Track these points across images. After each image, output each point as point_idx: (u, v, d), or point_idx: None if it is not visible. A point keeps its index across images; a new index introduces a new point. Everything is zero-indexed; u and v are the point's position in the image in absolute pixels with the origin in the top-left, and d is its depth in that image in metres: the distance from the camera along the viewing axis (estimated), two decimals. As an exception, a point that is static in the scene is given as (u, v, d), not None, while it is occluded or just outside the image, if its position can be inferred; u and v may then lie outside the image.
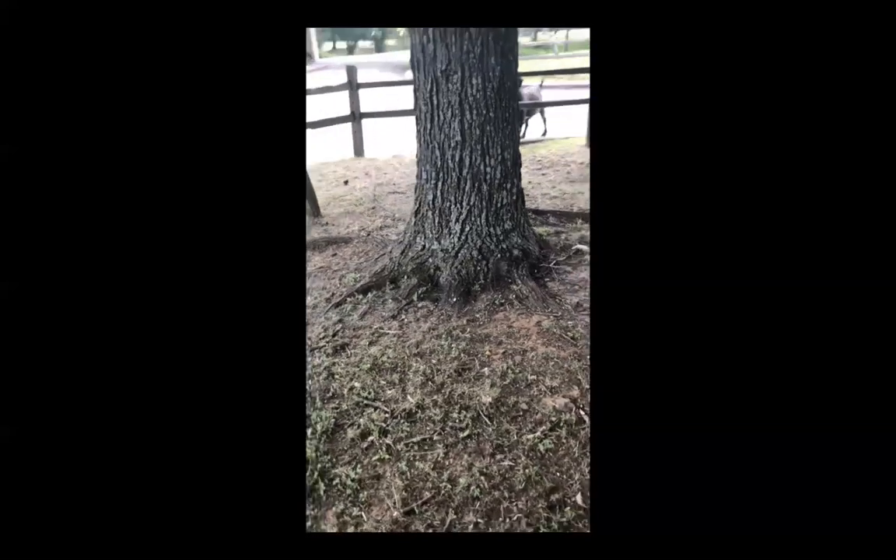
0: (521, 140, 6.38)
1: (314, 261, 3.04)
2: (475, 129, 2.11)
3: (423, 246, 2.41)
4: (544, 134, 6.98)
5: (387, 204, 4.10)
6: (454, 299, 2.30)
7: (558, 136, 6.77)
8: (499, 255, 2.39)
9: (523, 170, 5.03)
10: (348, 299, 2.44)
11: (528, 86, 6.36)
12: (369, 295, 2.46)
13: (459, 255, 2.31)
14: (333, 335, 2.23)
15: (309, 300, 2.56)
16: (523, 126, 6.68)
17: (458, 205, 2.28)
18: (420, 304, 2.37)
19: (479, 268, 2.34)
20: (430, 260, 2.38)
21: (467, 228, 2.31)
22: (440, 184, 2.26)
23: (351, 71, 5.78)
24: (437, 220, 2.35)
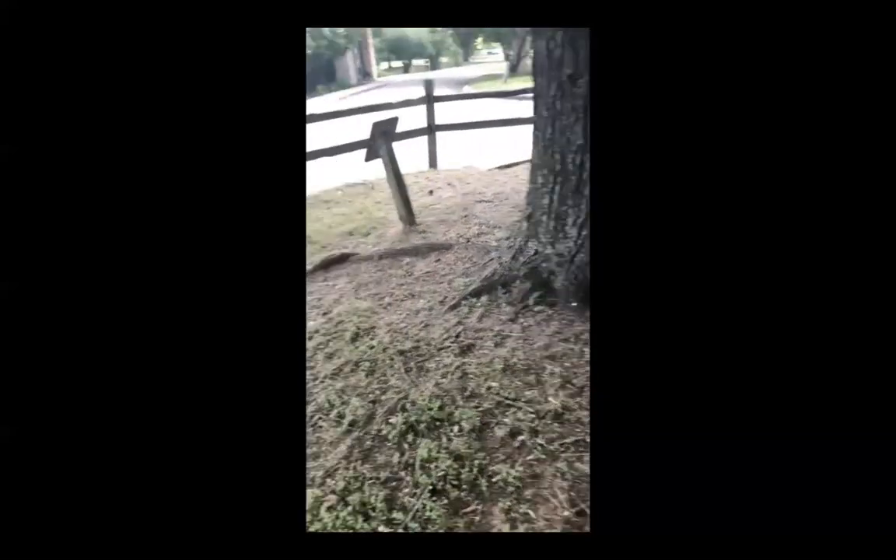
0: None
1: (419, 266, 3.10)
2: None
3: (537, 251, 2.37)
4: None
5: (477, 212, 4.14)
6: (574, 304, 2.25)
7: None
8: None
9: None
10: (462, 302, 2.43)
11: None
12: (482, 298, 2.45)
13: (576, 259, 2.26)
14: (457, 337, 2.21)
15: (422, 303, 2.58)
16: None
17: (576, 209, 2.22)
18: (537, 309, 2.32)
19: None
20: (545, 264, 2.34)
21: (583, 233, 2.24)
22: (558, 188, 2.22)
23: (429, 85, 5.84)
24: (552, 225, 2.30)
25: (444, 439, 1.72)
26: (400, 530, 1.48)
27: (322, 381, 2.13)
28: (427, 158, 6.27)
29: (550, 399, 1.83)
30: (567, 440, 1.68)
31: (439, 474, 1.60)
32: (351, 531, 1.46)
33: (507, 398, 1.84)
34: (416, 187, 5.25)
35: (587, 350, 2.05)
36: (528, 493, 1.53)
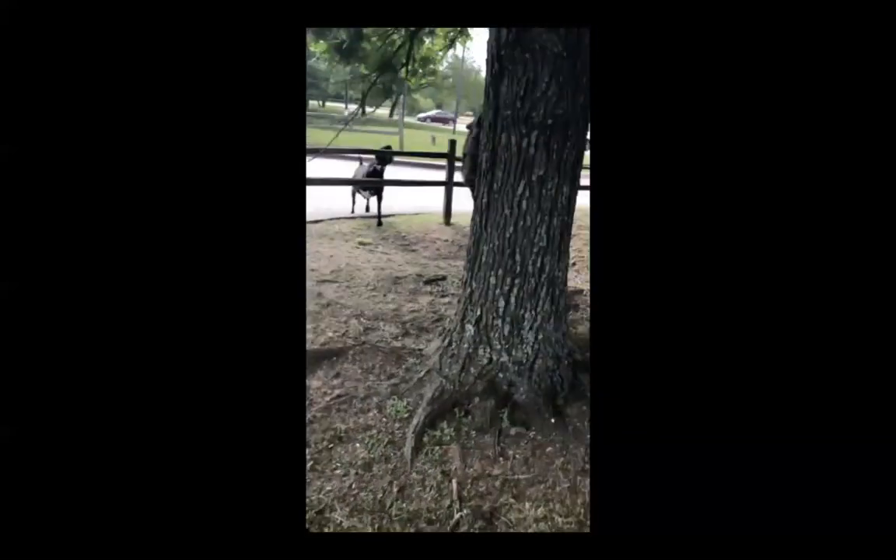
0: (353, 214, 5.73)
1: (314, 385, 2.16)
2: (557, 234, 1.99)
3: (490, 359, 2.07)
4: (368, 209, 6.19)
5: (346, 300, 3.08)
6: (549, 417, 1.97)
7: (408, 212, 6.36)
8: (566, 362, 2.18)
9: (390, 246, 4.76)
10: (424, 439, 1.86)
11: (369, 161, 5.64)
12: (442, 427, 1.89)
13: (536, 366, 2.07)
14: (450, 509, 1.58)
15: (365, 446, 1.82)
16: (358, 203, 6.08)
17: (533, 311, 2.06)
18: (513, 432, 1.91)
19: (555, 378, 2.11)
20: (501, 375, 2.05)
21: (540, 336, 2.08)
22: (516, 291, 2.03)
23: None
24: (507, 330, 2.06)
25: None
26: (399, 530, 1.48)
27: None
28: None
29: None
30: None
31: None
32: (352, 532, 1.46)
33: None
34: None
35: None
36: None
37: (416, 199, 6.86)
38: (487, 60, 1.81)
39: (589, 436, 1.86)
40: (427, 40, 4.39)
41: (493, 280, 2.04)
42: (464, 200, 6.00)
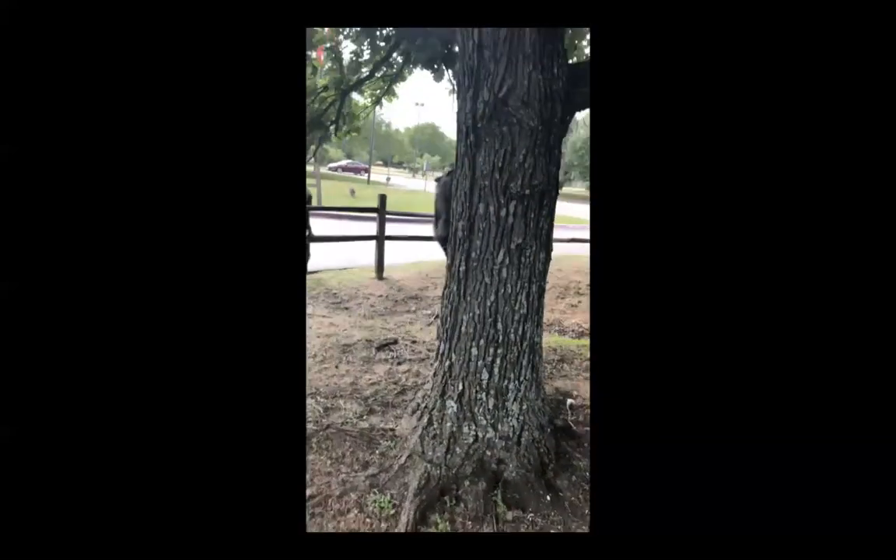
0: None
1: None
2: (535, 300, 1.96)
3: (476, 436, 1.94)
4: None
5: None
6: (543, 494, 1.85)
7: (335, 267, 6.09)
8: (548, 430, 2.10)
9: (324, 306, 4.42)
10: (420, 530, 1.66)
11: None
12: (435, 521, 1.66)
13: (522, 439, 1.97)
14: None
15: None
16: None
17: (516, 381, 1.98)
18: (510, 516, 1.72)
19: (542, 450, 2.01)
20: (489, 452, 1.92)
21: (524, 406, 1.99)
22: (499, 361, 1.96)
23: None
24: (491, 403, 1.96)
25: None
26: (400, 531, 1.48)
27: None
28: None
29: None
30: None
31: None
32: (352, 532, 1.46)
33: None
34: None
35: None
36: None
37: (341, 252, 6.55)
38: (461, 130, 1.80)
39: (588, 511, 1.77)
40: (357, 98, 4.45)
41: (474, 351, 1.95)
42: (393, 254, 5.77)
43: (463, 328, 1.97)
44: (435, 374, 2.09)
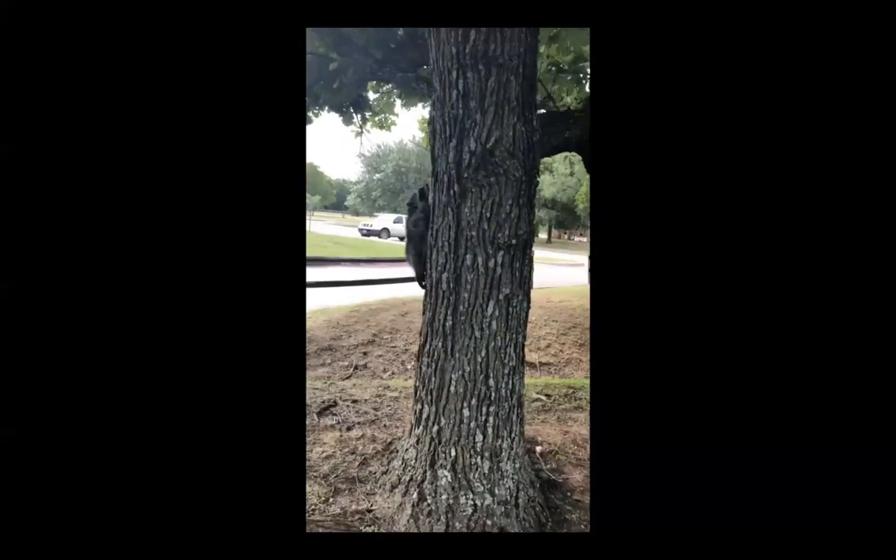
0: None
1: None
2: (520, 350, 1.88)
3: (475, 505, 1.78)
4: None
5: None
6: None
7: None
8: (537, 485, 1.98)
9: None
10: None
11: None
12: None
13: (520, 500, 1.83)
14: None
15: None
16: None
17: (509, 439, 1.86)
18: None
19: (537, 508, 1.89)
20: (490, 521, 1.79)
21: (517, 464, 1.88)
22: (492, 419, 1.84)
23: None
24: (487, 467, 1.83)
25: None
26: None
27: None
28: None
29: None
30: None
31: None
32: (352, 532, 1.46)
33: None
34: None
35: None
36: None
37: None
38: (441, 179, 1.73)
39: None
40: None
41: (466, 412, 1.79)
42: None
43: (452, 388, 1.80)
44: (419, 443, 1.87)
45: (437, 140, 1.71)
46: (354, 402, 2.77)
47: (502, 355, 1.81)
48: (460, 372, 1.80)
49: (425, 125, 3.66)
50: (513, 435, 1.86)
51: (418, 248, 1.93)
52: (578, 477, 1.97)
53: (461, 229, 1.73)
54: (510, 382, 1.84)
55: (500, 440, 1.83)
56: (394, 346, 4.32)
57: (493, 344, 1.79)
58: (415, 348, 3.86)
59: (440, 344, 1.82)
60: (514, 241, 1.73)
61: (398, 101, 3.37)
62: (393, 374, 3.81)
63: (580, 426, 2.57)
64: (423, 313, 1.87)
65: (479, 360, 1.79)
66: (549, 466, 2.08)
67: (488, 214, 1.69)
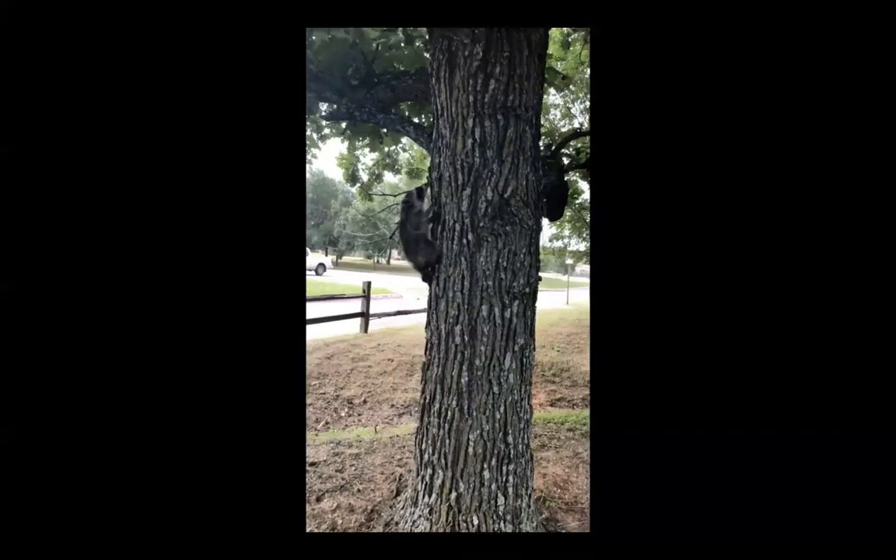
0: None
1: None
2: (531, 401, 1.83)
3: None
4: None
5: None
6: None
7: None
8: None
9: None
10: None
11: None
12: None
13: None
14: None
15: None
16: None
17: (526, 497, 1.77)
18: None
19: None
20: None
21: (534, 524, 1.78)
22: (512, 478, 1.76)
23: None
24: (508, 529, 1.74)
25: None
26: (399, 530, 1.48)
27: None
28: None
29: None
30: None
31: None
32: (352, 532, 1.46)
33: None
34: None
35: None
36: None
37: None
38: (452, 228, 1.68)
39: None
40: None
41: (486, 474, 1.68)
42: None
43: (470, 449, 1.68)
44: (432, 512, 1.68)
45: (446, 188, 1.66)
46: (312, 465, 2.43)
47: (518, 409, 1.73)
48: (478, 431, 1.68)
49: (343, 160, 3.56)
50: (529, 492, 1.77)
51: (418, 243, 1.83)
52: (574, 523, 1.91)
53: (476, 279, 1.66)
54: (525, 436, 1.76)
55: (519, 500, 1.72)
56: (323, 394, 3.93)
57: (509, 398, 1.70)
58: (347, 393, 3.85)
59: (454, 402, 1.70)
60: (527, 290, 1.69)
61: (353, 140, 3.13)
62: (328, 424, 3.43)
63: (554, 466, 2.48)
64: (425, 368, 1.75)
65: (498, 416, 1.69)
66: (543, 517, 1.98)
67: (504, 263, 1.64)
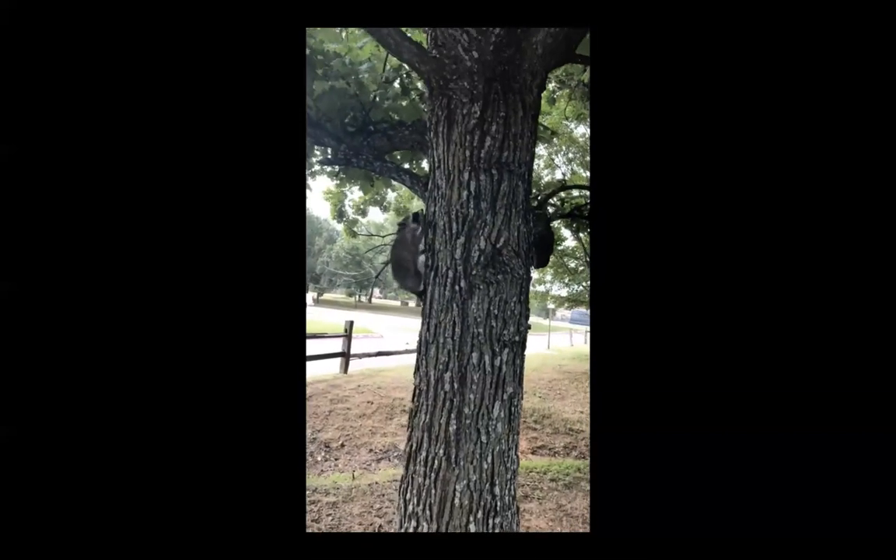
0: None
1: None
2: (518, 450, 1.81)
3: None
4: None
5: None
6: None
7: None
8: None
9: None
10: None
11: None
12: None
13: None
14: None
15: None
16: None
17: None
18: None
19: None
20: None
21: None
22: (497, 531, 1.73)
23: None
24: None
25: None
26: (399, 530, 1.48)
27: None
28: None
29: None
30: None
31: None
32: (352, 532, 1.46)
33: None
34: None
35: None
36: None
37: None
38: (445, 274, 1.68)
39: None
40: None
41: (473, 527, 1.64)
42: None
43: (457, 500, 1.63)
44: None
45: (440, 235, 1.68)
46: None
47: (505, 459, 1.70)
48: (465, 481, 1.64)
49: (331, 195, 3.71)
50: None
51: (408, 270, 1.82)
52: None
53: (467, 326, 1.66)
54: (511, 488, 1.73)
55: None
56: (300, 436, 3.95)
57: (497, 448, 1.67)
58: (324, 436, 3.82)
59: (441, 451, 1.67)
60: (517, 338, 1.69)
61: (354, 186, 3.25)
62: (304, 468, 3.44)
63: (537, 518, 2.37)
64: (412, 415, 1.75)
65: (486, 467, 1.66)
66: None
67: (496, 311, 1.65)
